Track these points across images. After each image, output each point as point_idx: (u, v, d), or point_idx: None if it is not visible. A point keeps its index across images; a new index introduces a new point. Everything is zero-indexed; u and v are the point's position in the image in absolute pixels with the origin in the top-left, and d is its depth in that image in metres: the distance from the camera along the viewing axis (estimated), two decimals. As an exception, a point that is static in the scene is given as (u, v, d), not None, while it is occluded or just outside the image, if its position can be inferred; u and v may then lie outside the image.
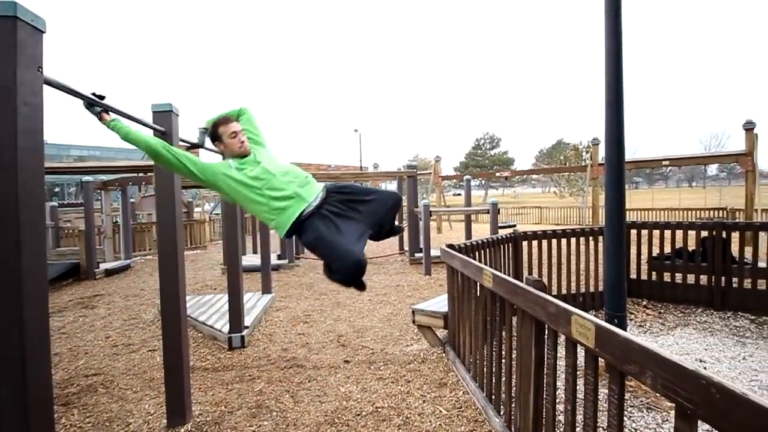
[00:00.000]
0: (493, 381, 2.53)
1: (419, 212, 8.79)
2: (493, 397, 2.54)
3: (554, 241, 5.23)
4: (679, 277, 5.57)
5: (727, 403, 0.87)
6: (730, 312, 5.17)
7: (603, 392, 1.58)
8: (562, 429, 1.71)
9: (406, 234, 9.83)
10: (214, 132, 2.12)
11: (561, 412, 1.71)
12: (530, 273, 5.23)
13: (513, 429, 2.21)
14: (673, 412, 1.21)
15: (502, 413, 2.41)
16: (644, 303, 5.61)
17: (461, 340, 3.28)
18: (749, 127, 9.46)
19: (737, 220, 5.71)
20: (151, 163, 2.66)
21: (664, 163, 11.50)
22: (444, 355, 3.79)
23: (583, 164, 23.49)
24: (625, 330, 3.43)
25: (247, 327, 4.44)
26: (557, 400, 1.94)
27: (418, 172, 11.16)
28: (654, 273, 5.81)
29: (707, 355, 3.96)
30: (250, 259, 9.18)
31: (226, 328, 4.31)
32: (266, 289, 6.13)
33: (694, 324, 4.88)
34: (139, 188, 14.87)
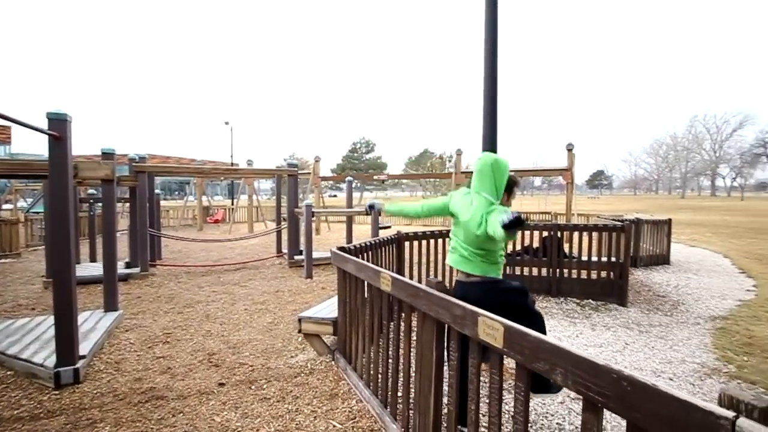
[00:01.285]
0: (390, 386, 2.47)
1: (300, 213, 8.43)
2: (389, 402, 2.48)
3: (432, 242, 5.57)
4: (526, 270, 6.56)
5: (638, 395, 0.94)
6: (562, 298, 6.30)
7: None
8: (466, 429, 1.71)
9: (285, 235, 9.33)
10: (513, 185, 2.54)
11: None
12: (411, 272, 5.46)
13: (411, 434, 2.18)
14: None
15: (398, 419, 2.37)
16: (502, 294, 6.43)
17: (353, 347, 3.17)
18: (570, 148, 11.80)
19: (568, 223, 7.09)
20: None
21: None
22: (334, 363, 3.62)
23: (448, 171, 26.13)
24: None
25: (83, 356, 3.50)
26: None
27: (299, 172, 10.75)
28: (507, 267, 6.71)
29: (552, 336, 4.71)
30: (86, 269, 7.45)
31: (51, 361, 3.33)
32: (111, 305, 4.99)
33: (540, 310, 5.78)
34: None
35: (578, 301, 6.15)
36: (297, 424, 2.65)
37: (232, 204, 22.90)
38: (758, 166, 74.65)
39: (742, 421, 0.73)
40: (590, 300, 6.17)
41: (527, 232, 6.64)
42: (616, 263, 6.10)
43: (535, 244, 6.78)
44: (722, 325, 5.09)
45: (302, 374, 3.43)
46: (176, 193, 55.00)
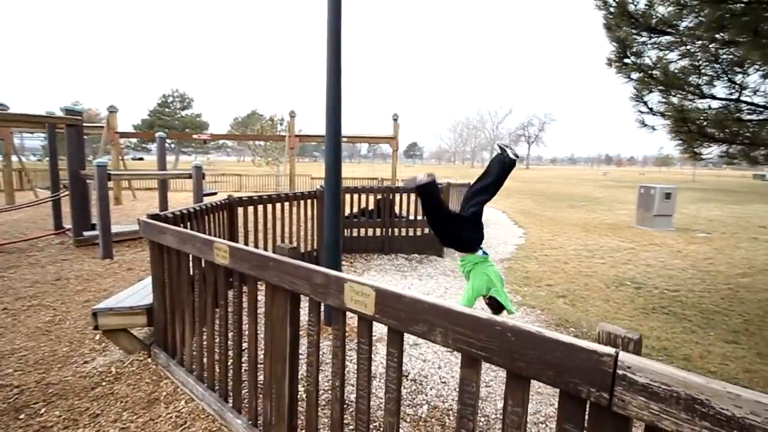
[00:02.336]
0: (231, 375, 2.09)
1: (90, 176, 6.51)
2: (231, 395, 2.11)
3: (270, 207, 5.10)
4: (363, 231, 6.84)
5: (523, 344, 0.91)
6: (393, 254, 6.85)
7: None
8: (329, 412, 1.54)
9: (66, 207, 7.12)
10: None
11: (328, 389, 1.55)
12: (246, 240, 4.91)
13: (261, 425, 1.89)
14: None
15: (244, 411, 2.03)
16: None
17: (178, 336, 2.58)
18: (395, 118, 12.69)
19: (398, 186, 7.70)
20: None
21: (343, 139, 13.74)
22: (150, 360, 2.91)
23: (280, 134, 24.87)
24: None
25: None
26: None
27: (85, 124, 8.16)
28: (346, 230, 6.84)
29: (388, 291, 5.04)
30: None
31: None
32: None
33: (375, 267, 6.11)
34: None
35: (407, 256, 6.79)
36: (100, 450, 1.99)
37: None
38: (520, 144, 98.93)
39: (623, 355, 0.77)
40: (416, 254, 6.89)
41: (363, 196, 6.85)
42: (436, 221, 6.97)
43: (371, 207, 7.10)
44: (509, 265, 6.43)
45: (104, 383, 2.63)
46: None
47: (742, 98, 2.89)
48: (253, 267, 1.71)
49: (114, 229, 6.45)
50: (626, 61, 3.24)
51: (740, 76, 2.97)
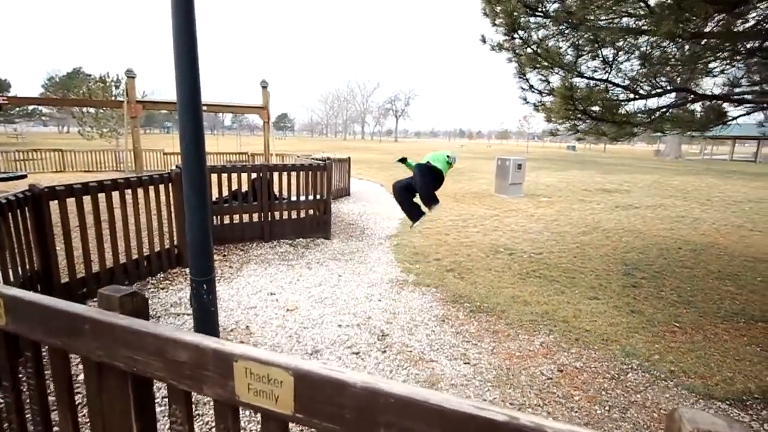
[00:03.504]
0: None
1: None
2: None
3: (102, 196, 3.83)
4: (236, 218, 5.89)
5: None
6: (275, 241, 6.11)
7: None
8: None
9: None
10: None
11: None
12: (70, 252, 3.59)
13: None
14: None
15: None
16: (211, 250, 5.52)
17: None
18: (264, 85, 11.37)
19: (276, 163, 6.75)
20: None
21: (203, 108, 11.78)
22: None
23: (116, 99, 20.44)
24: (213, 291, 3.02)
25: None
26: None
27: None
28: (215, 217, 5.80)
29: (273, 286, 4.39)
30: None
31: None
32: None
33: (254, 258, 5.33)
34: None
35: (291, 241, 6.14)
36: None
37: None
38: (388, 117, 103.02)
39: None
40: (301, 238, 6.29)
41: (234, 175, 5.85)
42: (321, 200, 6.42)
43: (244, 188, 6.14)
44: (397, 241, 6.37)
45: None
46: None
47: (610, 78, 3.18)
48: (53, 332, 0.97)
49: None
50: (514, 36, 3.21)
51: (604, 54, 3.22)
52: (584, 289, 4.40)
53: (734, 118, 4.77)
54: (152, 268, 4.37)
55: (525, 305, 3.96)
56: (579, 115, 3.25)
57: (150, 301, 3.79)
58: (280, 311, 3.72)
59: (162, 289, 4.12)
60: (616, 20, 3.14)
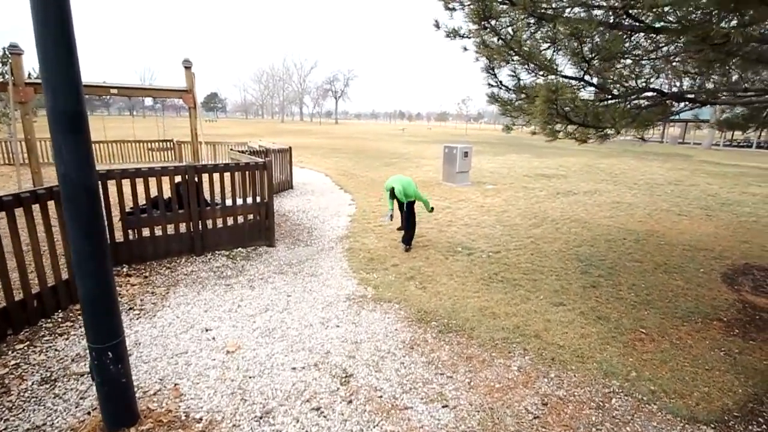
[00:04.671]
0: None
1: None
2: None
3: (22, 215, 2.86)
4: (158, 230, 4.98)
5: None
6: (209, 253, 5.29)
7: None
8: None
9: None
10: None
11: None
12: None
13: None
14: None
15: None
16: (126, 270, 4.62)
17: None
18: (187, 66, 9.99)
19: (205, 163, 5.76)
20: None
21: (112, 91, 10.11)
22: None
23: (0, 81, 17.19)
24: (124, 357, 2.25)
25: None
26: None
27: None
28: (130, 231, 4.86)
29: (208, 317, 3.70)
30: None
31: None
32: None
33: (183, 279, 4.54)
34: None
35: (228, 252, 5.38)
36: None
37: None
38: (327, 98, 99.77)
39: None
40: (240, 248, 5.54)
41: (152, 179, 4.90)
42: (262, 203, 5.68)
43: (166, 194, 5.19)
44: (349, 245, 5.85)
45: None
46: None
47: (585, 78, 2.92)
48: None
49: None
50: (484, 25, 2.79)
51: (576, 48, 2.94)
52: (548, 293, 4.27)
53: (677, 113, 4.87)
54: (46, 307, 3.45)
55: (494, 318, 3.71)
56: (557, 120, 2.98)
57: (43, 356, 2.95)
58: (219, 354, 3.09)
59: (61, 335, 3.26)
60: (593, 13, 2.87)
